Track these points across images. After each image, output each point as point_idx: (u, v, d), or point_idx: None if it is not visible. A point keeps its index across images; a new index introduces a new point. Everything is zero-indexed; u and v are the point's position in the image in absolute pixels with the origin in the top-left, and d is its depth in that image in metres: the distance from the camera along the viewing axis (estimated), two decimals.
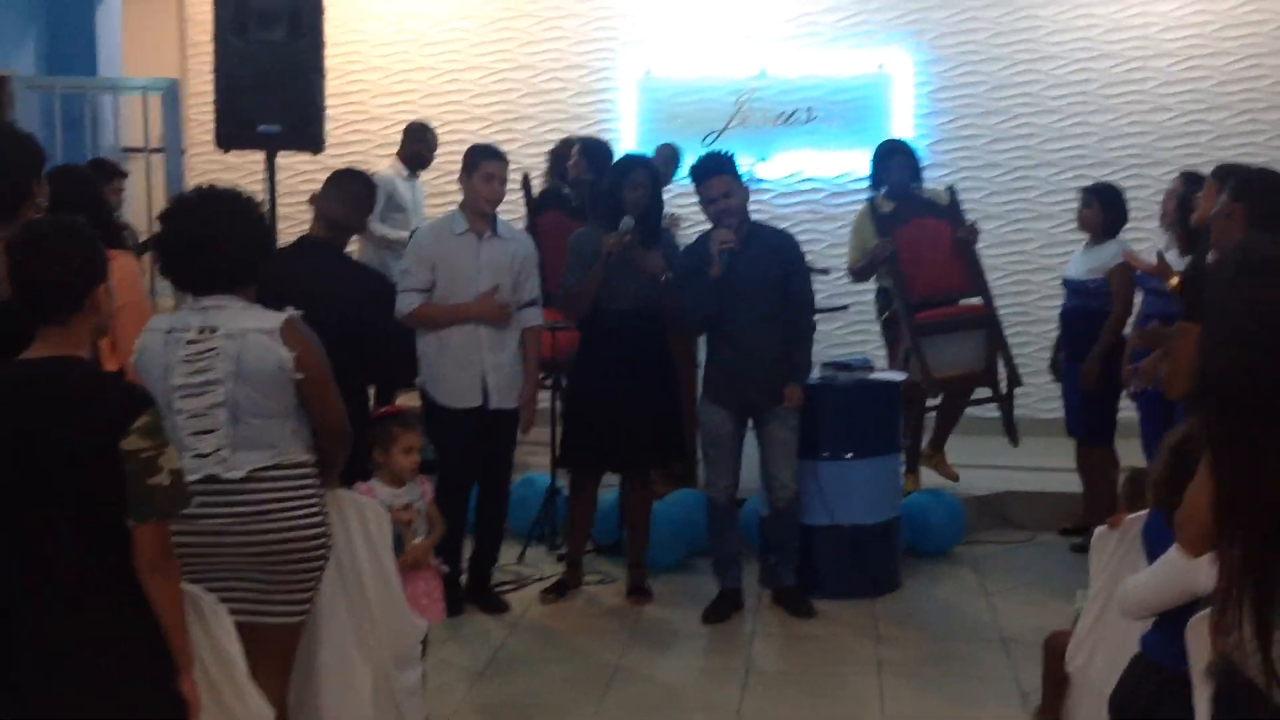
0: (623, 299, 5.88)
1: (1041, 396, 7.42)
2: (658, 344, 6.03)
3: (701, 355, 6.26)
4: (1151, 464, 3.32)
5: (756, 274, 5.73)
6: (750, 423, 5.92)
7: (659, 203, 6.10)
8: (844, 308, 7.62)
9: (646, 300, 5.90)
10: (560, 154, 7.61)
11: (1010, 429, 7.00)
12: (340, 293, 4.97)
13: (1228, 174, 4.80)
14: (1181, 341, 3.82)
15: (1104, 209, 6.67)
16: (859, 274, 7.18)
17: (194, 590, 3.06)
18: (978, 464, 7.31)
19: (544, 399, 6.67)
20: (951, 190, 7.24)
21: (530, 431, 6.10)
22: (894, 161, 7.12)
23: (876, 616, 5.94)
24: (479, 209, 5.77)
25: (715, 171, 5.79)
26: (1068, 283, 6.80)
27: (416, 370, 5.76)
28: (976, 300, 6.97)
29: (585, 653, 5.52)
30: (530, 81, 9.56)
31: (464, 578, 5.90)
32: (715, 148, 6.31)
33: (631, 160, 6.30)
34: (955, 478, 7.23)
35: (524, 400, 5.85)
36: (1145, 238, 7.30)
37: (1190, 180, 6.14)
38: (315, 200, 5.45)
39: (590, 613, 6.02)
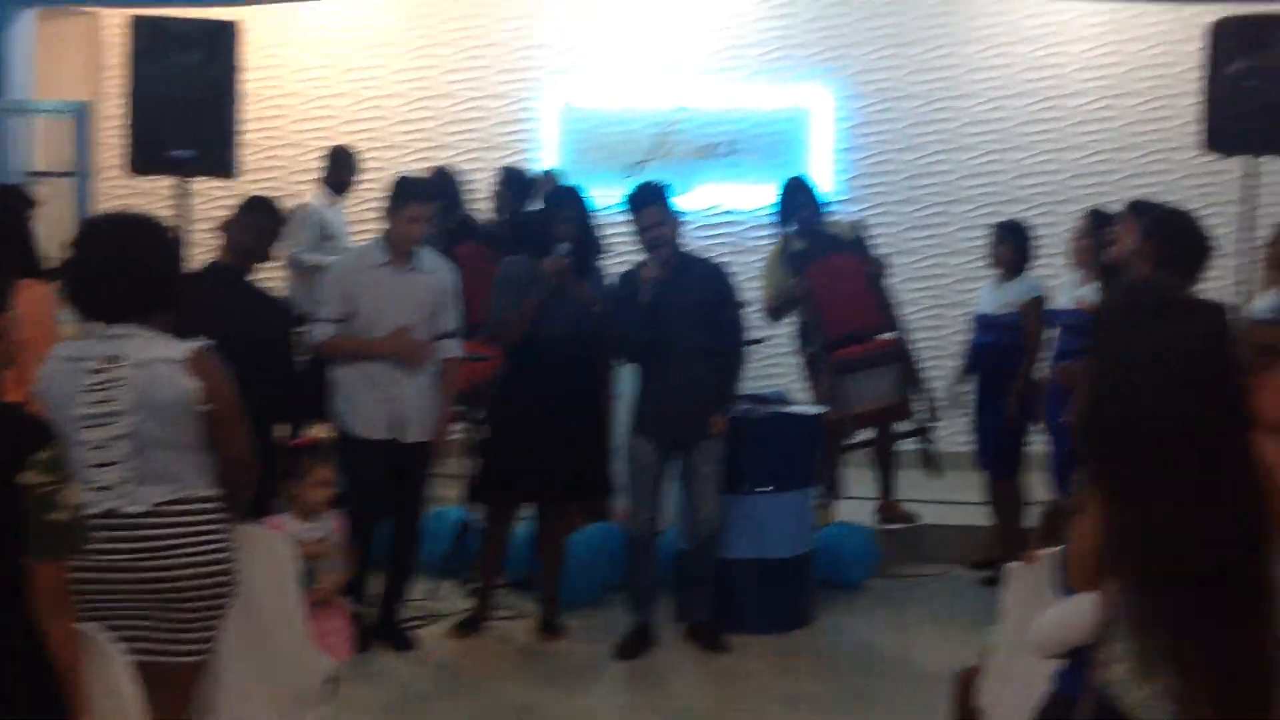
0: (553, 326, 5.83)
1: (953, 430, 7.47)
2: (588, 373, 5.98)
3: (622, 387, 6.23)
4: (1068, 498, 3.33)
5: (687, 303, 5.73)
6: (675, 455, 5.89)
7: (592, 235, 6.07)
8: (759, 341, 7.63)
9: (577, 328, 5.86)
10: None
11: (929, 460, 7.04)
12: (247, 319, 4.91)
13: (1144, 211, 4.87)
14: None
15: (1016, 246, 6.78)
16: (774, 313, 7.20)
17: (89, 629, 2.97)
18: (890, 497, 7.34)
19: (458, 431, 6.60)
20: (856, 225, 7.29)
21: (441, 462, 6.02)
22: (799, 198, 7.13)
23: (790, 651, 5.94)
24: (401, 247, 5.71)
25: (649, 201, 5.81)
26: (980, 318, 6.87)
27: (325, 402, 5.66)
28: (892, 334, 7.02)
29: (495, 691, 5.44)
30: (451, 110, 9.52)
31: (370, 612, 5.79)
32: (649, 178, 6.28)
33: (565, 192, 6.24)
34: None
35: (436, 431, 5.78)
36: (1057, 274, 7.40)
37: (1098, 218, 6.24)
38: (225, 226, 5.38)
39: (501, 649, 5.94)
